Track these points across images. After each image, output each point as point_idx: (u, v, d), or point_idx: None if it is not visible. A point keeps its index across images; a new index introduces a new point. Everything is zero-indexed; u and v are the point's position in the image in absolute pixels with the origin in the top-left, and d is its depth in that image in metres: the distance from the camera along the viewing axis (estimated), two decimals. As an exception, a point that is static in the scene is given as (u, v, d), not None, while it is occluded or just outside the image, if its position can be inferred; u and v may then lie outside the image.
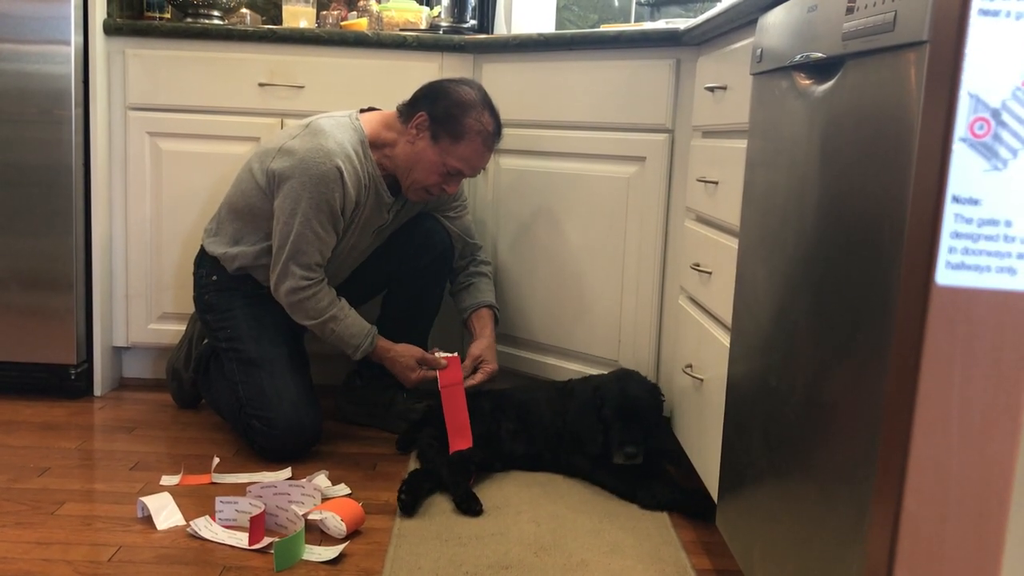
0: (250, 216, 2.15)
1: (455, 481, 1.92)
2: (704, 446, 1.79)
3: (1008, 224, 0.83)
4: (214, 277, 2.22)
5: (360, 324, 2.16)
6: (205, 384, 2.33)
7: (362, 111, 2.20)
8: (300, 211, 2.03)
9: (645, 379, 2.09)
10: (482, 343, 2.27)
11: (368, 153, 2.12)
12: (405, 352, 2.20)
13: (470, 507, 1.85)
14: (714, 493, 1.68)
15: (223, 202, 2.24)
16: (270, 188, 2.09)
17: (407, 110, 2.13)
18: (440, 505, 1.89)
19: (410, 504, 1.84)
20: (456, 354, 2.20)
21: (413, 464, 2.12)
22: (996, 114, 0.82)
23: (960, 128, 0.82)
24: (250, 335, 2.17)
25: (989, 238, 0.83)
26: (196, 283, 2.28)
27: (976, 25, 0.81)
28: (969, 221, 0.83)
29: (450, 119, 2.08)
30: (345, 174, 2.04)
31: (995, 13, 0.80)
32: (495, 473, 2.06)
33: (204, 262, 2.25)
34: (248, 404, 2.11)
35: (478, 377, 2.22)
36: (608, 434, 1.98)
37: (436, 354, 2.20)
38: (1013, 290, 0.84)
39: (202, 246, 2.27)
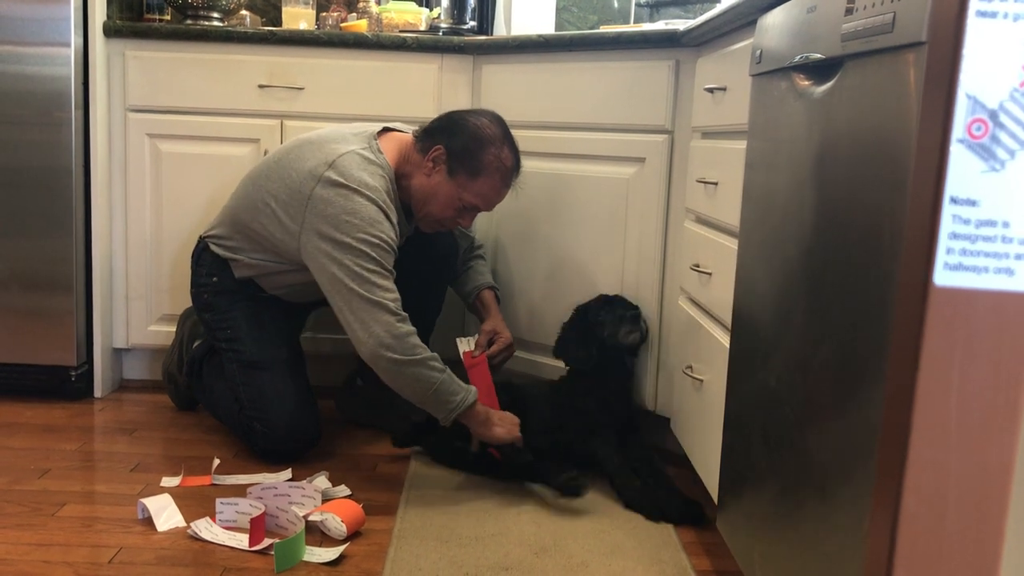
0: (273, 251, 2.07)
1: (549, 468, 1.99)
2: (704, 447, 1.79)
3: (1006, 225, 0.83)
4: (215, 279, 2.18)
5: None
6: (199, 387, 2.32)
7: (378, 134, 2.09)
8: (366, 253, 1.89)
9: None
10: (493, 320, 2.28)
11: (396, 191, 2.04)
12: (514, 419, 2.02)
13: (576, 486, 1.92)
14: (714, 494, 1.68)
15: (230, 218, 2.13)
16: (307, 240, 1.94)
17: (424, 140, 2.06)
18: (440, 506, 1.89)
19: (410, 440, 1.97)
20: (483, 353, 2.22)
21: (414, 464, 2.12)
22: (994, 115, 0.82)
23: (958, 129, 0.82)
24: (250, 336, 2.15)
25: (987, 239, 0.84)
26: (195, 280, 2.23)
27: (974, 26, 0.81)
28: (967, 222, 0.83)
29: (468, 154, 2.01)
30: (391, 217, 1.96)
31: (992, 15, 0.80)
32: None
33: (205, 261, 2.20)
34: (249, 406, 2.11)
35: (495, 348, 2.22)
36: (603, 335, 2.11)
37: (459, 344, 2.22)
38: (1011, 291, 0.84)
39: (205, 243, 2.20)
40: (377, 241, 1.90)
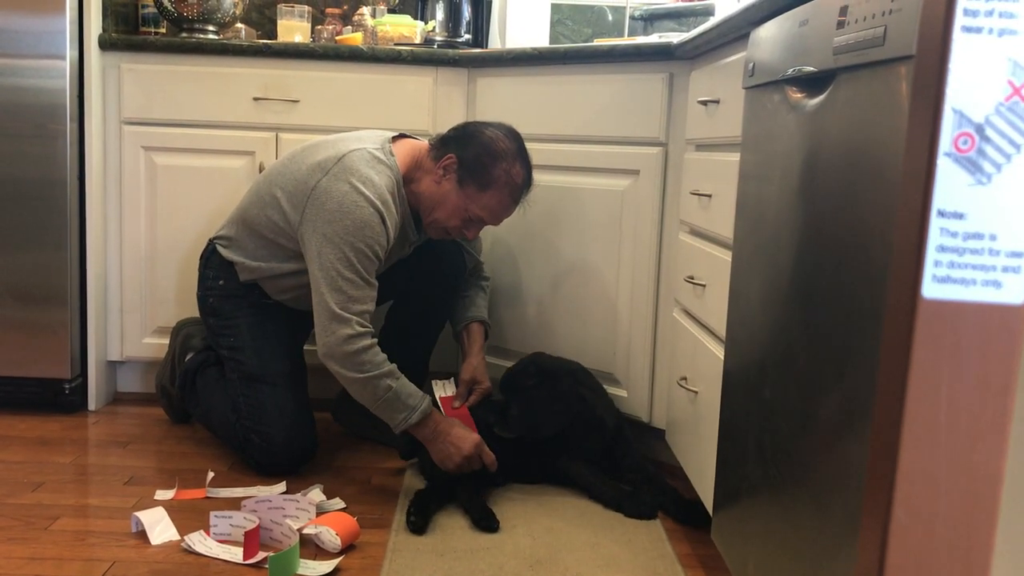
0: (275, 245, 2.08)
1: (470, 498, 1.92)
2: (699, 458, 1.79)
3: (993, 238, 0.84)
4: (221, 282, 2.18)
5: (413, 391, 1.96)
6: (192, 400, 2.31)
7: (394, 139, 2.11)
8: (347, 259, 1.91)
9: (542, 361, 2.15)
10: (471, 363, 2.23)
11: (402, 192, 2.04)
12: (464, 434, 1.99)
13: (488, 524, 1.85)
14: (709, 505, 1.68)
15: (239, 216, 2.15)
16: (305, 229, 1.98)
17: (438, 148, 2.06)
18: (436, 519, 1.88)
19: (421, 524, 1.83)
20: (454, 394, 2.21)
21: (409, 480, 2.12)
22: (980, 129, 0.83)
23: (945, 143, 0.83)
24: (253, 347, 2.14)
25: (974, 252, 0.84)
26: (201, 283, 2.23)
27: (959, 42, 0.82)
28: (954, 235, 0.84)
29: (479, 167, 2.01)
30: (386, 219, 1.96)
31: (978, 30, 0.81)
32: (495, 487, 2.06)
33: (212, 263, 2.20)
34: (247, 417, 2.10)
35: (473, 399, 2.18)
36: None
37: (435, 387, 2.20)
38: (998, 303, 0.85)
39: (213, 246, 2.20)
40: (363, 247, 1.92)
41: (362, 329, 1.91)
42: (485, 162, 2.01)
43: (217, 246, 2.19)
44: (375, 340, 1.94)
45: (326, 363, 1.95)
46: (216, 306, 2.20)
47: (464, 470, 1.97)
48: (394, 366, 1.95)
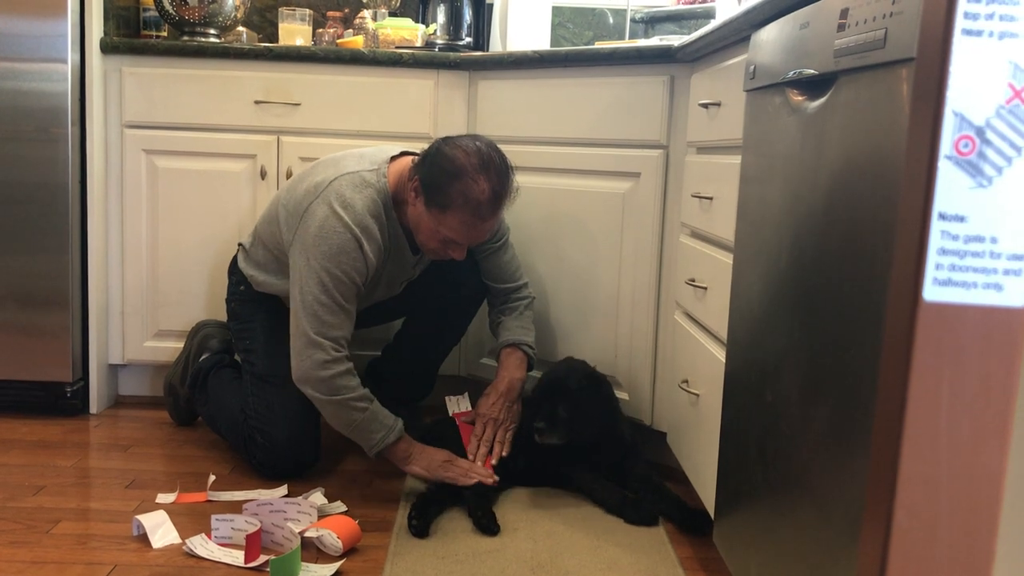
0: (278, 261, 2.13)
1: (473, 501, 1.92)
2: (701, 461, 1.79)
3: (994, 241, 0.84)
4: (241, 287, 2.24)
5: (388, 412, 2.01)
6: (201, 399, 2.33)
7: (394, 158, 2.08)
8: (323, 284, 1.93)
9: (581, 365, 2.12)
10: (488, 400, 2.15)
11: (391, 214, 2.03)
12: (436, 455, 2.02)
13: (488, 527, 1.85)
14: (711, 508, 1.68)
15: (256, 226, 2.22)
16: (292, 250, 2.01)
17: (414, 167, 2.00)
18: (437, 523, 1.88)
19: (422, 528, 1.83)
20: (469, 410, 2.19)
21: (410, 483, 2.12)
22: (980, 132, 0.82)
23: (945, 146, 0.83)
24: (266, 350, 2.17)
25: (975, 254, 0.84)
26: (228, 289, 2.30)
27: (960, 45, 0.81)
28: (955, 238, 0.84)
29: (436, 188, 1.93)
30: (364, 244, 1.95)
31: (978, 33, 0.81)
32: (500, 491, 2.06)
33: (235, 271, 2.27)
34: (254, 416, 2.11)
35: (495, 456, 2.08)
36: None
37: (448, 403, 2.21)
38: (999, 306, 0.85)
39: (236, 255, 2.28)
40: (339, 274, 1.94)
41: (336, 354, 1.95)
42: (441, 183, 1.93)
43: (239, 254, 2.26)
44: (350, 365, 1.98)
45: (301, 387, 1.99)
46: (237, 310, 2.26)
47: (456, 481, 1.98)
48: (367, 391, 1.99)
